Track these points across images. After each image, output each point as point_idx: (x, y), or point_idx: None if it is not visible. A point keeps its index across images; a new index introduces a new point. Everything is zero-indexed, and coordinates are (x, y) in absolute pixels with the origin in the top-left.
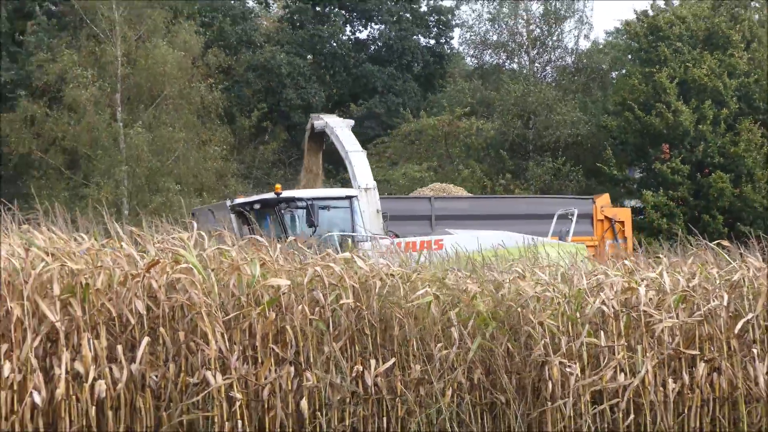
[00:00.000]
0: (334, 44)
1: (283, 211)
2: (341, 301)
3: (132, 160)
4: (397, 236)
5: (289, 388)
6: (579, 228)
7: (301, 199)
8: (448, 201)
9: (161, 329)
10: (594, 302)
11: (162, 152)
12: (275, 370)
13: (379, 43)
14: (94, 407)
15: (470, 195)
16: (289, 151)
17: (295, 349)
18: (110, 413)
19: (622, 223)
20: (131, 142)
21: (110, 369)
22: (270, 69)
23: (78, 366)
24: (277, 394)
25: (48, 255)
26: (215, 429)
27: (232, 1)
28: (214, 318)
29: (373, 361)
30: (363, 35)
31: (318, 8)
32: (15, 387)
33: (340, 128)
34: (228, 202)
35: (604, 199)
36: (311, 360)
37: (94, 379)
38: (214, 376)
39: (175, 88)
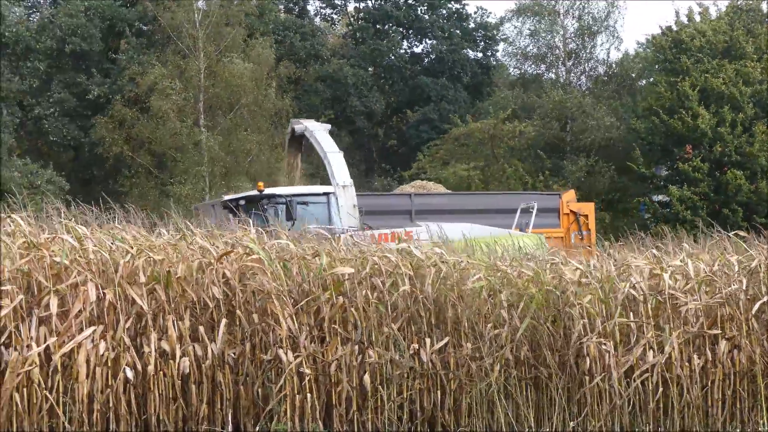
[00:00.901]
0: (393, 57)
1: (265, 207)
2: (400, 288)
3: (211, 161)
4: (371, 228)
5: (353, 364)
6: (546, 221)
7: (281, 196)
8: (427, 197)
9: (237, 312)
10: (625, 287)
11: (237, 154)
12: (341, 349)
13: (432, 57)
14: (179, 382)
15: (447, 191)
16: (352, 153)
17: (359, 330)
18: (194, 387)
19: (586, 216)
20: (210, 145)
21: (193, 347)
22: (337, 80)
23: (165, 345)
24: (342, 370)
25: (132, 248)
26: (287, 401)
27: (303, 20)
28: (283, 302)
29: (428, 340)
30: (418, 49)
31: (378, 26)
32: (109, 364)
33: (319, 131)
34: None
35: (569, 194)
36: (373, 339)
37: (180, 357)
38: (286, 354)
39: (250, 98)
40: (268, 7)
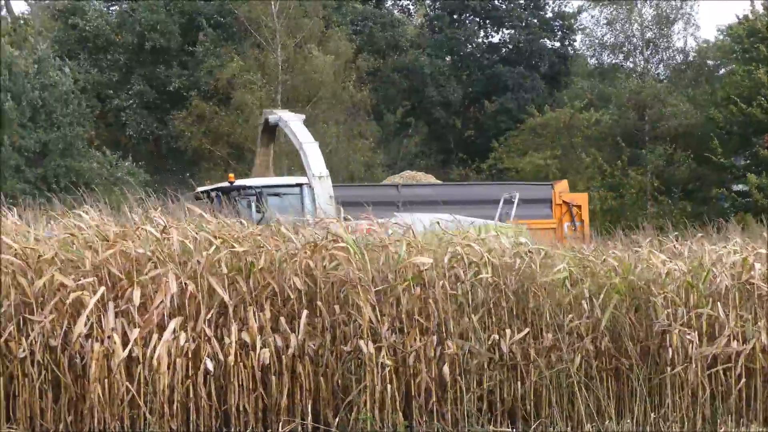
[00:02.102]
0: (470, 47)
1: (237, 198)
2: (480, 276)
3: (291, 152)
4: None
5: (433, 355)
6: (539, 212)
7: (251, 187)
8: (414, 188)
9: (318, 303)
10: (717, 277)
11: None
12: (420, 339)
13: (510, 46)
14: (259, 373)
15: (436, 182)
16: (429, 143)
17: (438, 320)
18: (274, 378)
19: (579, 207)
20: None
21: (274, 339)
22: (413, 70)
23: (245, 336)
24: (422, 361)
25: (216, 239)
26: (367, 392)
27: (381, 10)
28: (367, 292)
29: (508, 331)
30: (495, 39)
31: (455, 15)
32: (190, 355)
33: (293, 122)
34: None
35: (562, 185)
36: (452, 330)
37: (260, 348)
38: (366, 345)
39: (328, 90)
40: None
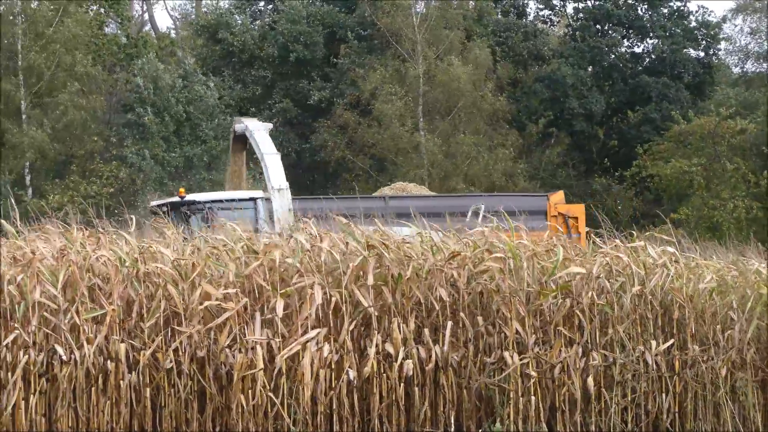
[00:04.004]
0: (613, 57)
1: (187, 212)
2: (632, 288)
3: (429, 164)
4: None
5: (577, 366)
6: (533, 224)
7: (200, 202)
8: (402, 200)
9: (461, 314)
10: None
11: (456, 156)
12: (565, 351)
13: (653, 56)
14: (402, 384)
15: (426, 194)
16: (572, 153)
17: (585, 332)
18: (416, 389)
19: (575, 218)
20: (430, 148)
21: (417, 350)
22: (555, 80)
23: (388, 347)
24: (566, 372)
25: (366, 249)
26: (510, 403)
27: (523, 21)
28: (517, 303)
29: (653, 342)
30: (638, 49)
31: (598, 26)
32: (333, 366)
33: (258, 131)
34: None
35: (558, 196)
36: (597, 341)
37: (403, 359)
38: (512, 356)
39: (468, 100)
40: (486, 10)
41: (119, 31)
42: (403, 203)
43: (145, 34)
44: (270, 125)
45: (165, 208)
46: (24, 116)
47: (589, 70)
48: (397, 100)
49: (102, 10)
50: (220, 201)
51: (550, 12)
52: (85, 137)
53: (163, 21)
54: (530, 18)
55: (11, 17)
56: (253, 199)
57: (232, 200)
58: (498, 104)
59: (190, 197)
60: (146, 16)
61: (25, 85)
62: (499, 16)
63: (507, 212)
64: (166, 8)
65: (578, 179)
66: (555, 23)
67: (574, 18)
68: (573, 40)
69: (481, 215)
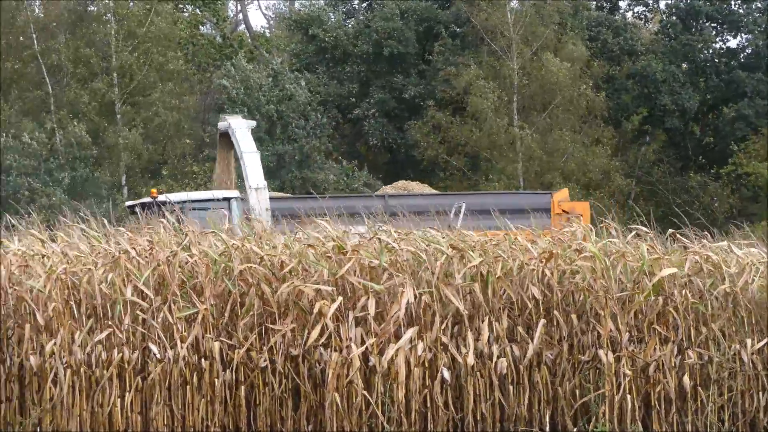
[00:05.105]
0: (707, 53)
1: (158, 213)
2: (720, 287)
3: (525, 159)
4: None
5: (672, 365)
6: (537, 221)
7: (171, 203)
8: (402, 198)
9: (555, 312)
10: None
11: (552, 152)
12: (660, 349)
13: (748, 51)
14: (496, 381)
15: (429, 192)
16: (667, 150)
17: (679, 330)
18: (511, 388)
19: (580, 216)
20: (527, 144)
21: (510, 348)
22: (646, 76)
23: (481, 345)
24: (661, 371)
25: (449, 248)
26: (605, 402)
27: (615, 16)
28: (610, 301)
29: (749, 340)
30: (732, 44)
31: (691, 21)
32: (427, 365)
33: (239, 129)
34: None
35: (562, 193)
36: (692, 339)
37: (497, 357)
38: (606, 354)
39: (565, 96)
40: (582, 5)
41: (214, 31)
42: (401, 202)
43: (240, 33)
44: (253, 123)
45: (137, 208)
46: (118, 116)
47: (683, 66)
48: (491, 93)
49: (198, 11)
50: (194, 201)
51: (644, 9)
52: (175, 140)
53: (257, 20)
54: (622, 12)
55: (105, 17)
56: (227, 199)
57: (204, 200)
58: (596, 100)
59: (161, 197)
60: (240, 15)
61: (118, 85)
62: (591, 11)
63: (512, 210)
64: (260, 8)
65: (674, 176)
66: (649, 20)
67: (667, 14)
68: (666, 36)
69: (461, 214)
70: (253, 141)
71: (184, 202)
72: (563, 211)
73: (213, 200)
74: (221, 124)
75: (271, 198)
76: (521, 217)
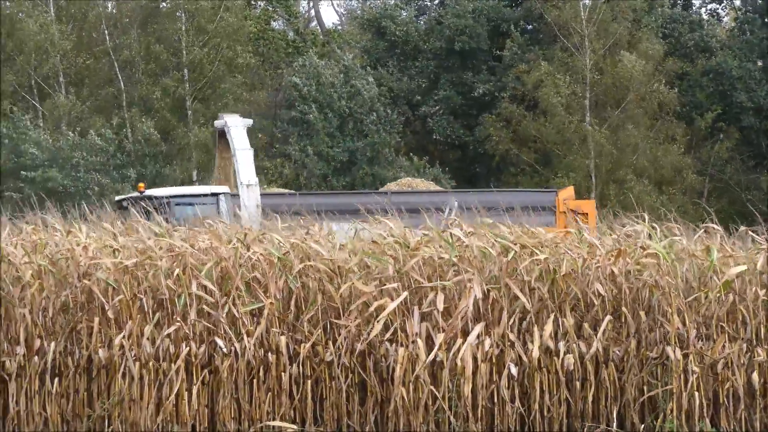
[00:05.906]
0: None
1: (146, 208)
2: None
3: (597, 155)
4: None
5: (741, 362)
6: (541, 219)
7: (158, 198)
8: (404, 195)
9: (623, 309)
10: None
11: (624, 149)
12: (728, 346)
13: None
14: (563, 378)
15: (433, 189)
16: (740, 148)
17: (750, 327)
18: (577, 384)
19: (585, 215)
20: (598, 139)
21: (578, 344)
22: (721, 73)
23: (548, 341)
24: (729, 368)
25: (515, 245)
26: (673, 399)
27: (689, 12)
28: (676, 298)
29: None
30: None
31: (766, 18)
32: (494, 360)
33: (234, 127)
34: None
35: (567, 191)
36: (761, 337)
37: (564, 353)
38: (674, 351)
39: (639, 92)
40: (658, 2)
41: (286, 28)
42: (404, 199)
43: (313, 29)
44: (250, 121)
45: (126, 203)
46: (189, 112)
47: (759, 64)
48: (564, 88)
49: (269, 7)
50: (180, 196)
51: (718, 5)
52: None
53: (329, 17)
54: (695, 7)
55: (177, 14)
56: (215, 195)
57: (192, 195)
58: (669, 97)
59: (149, 192)
60: (312, 12)
61: (189, 81)
62: (666, 8)
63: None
64: (332, 4)
65: (747, 174)
66: (723, 16)
67: (743, 10)
68: (741, 33)
69: (453, 211)
70: (247, 138)
71: (172, 197)
72: (569, 209)
73: (200, 195)
74: (218, 123)
75: (262, 194)
76: (524, 215)
